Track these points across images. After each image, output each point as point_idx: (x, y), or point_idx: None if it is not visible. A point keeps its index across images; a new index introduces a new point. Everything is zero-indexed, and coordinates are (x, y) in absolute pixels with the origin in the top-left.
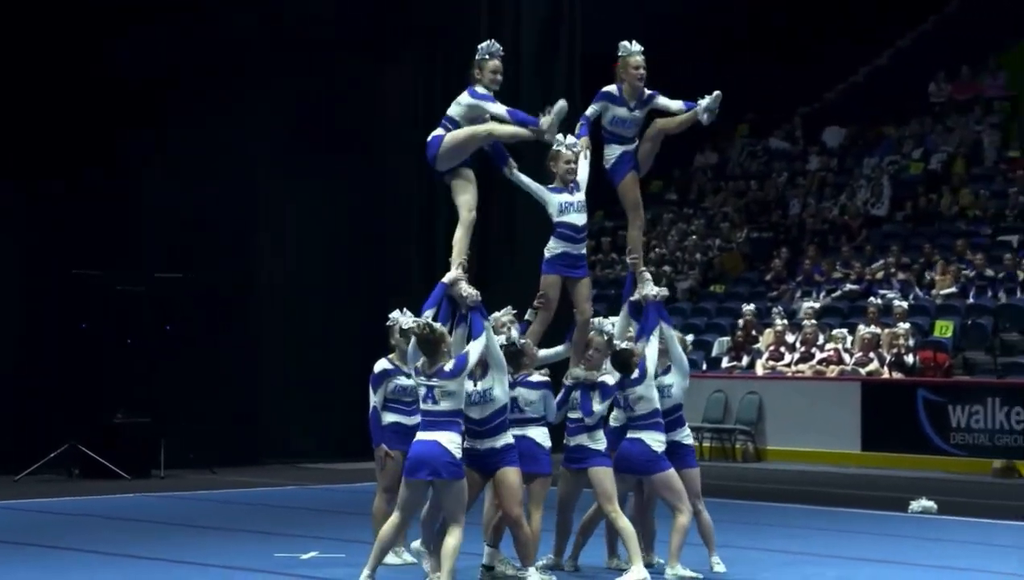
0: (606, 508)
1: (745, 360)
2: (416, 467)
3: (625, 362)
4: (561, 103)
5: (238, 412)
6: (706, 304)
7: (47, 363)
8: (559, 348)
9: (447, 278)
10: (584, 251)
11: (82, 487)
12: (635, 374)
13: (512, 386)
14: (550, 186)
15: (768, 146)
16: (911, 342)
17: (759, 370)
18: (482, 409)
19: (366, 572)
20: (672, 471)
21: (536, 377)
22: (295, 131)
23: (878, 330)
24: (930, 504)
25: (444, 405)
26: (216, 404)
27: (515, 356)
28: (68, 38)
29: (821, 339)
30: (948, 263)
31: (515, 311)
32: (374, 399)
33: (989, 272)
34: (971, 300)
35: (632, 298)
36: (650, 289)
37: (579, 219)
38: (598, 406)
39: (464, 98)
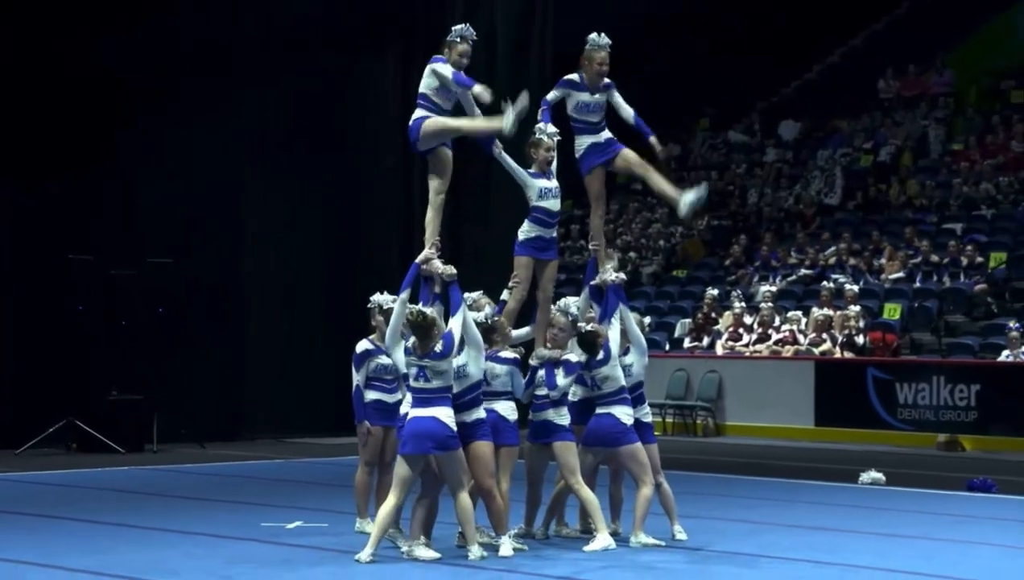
0: (569, 480)
1: (706, 341)
2: (416, 442)
3: (591, 343)
4: (523, 102)
5: (226, 390)
6: (669, 288)
7: (46, 343)
8: (527, 329)
9: (420, 257)
10: (555, 235)
11: (79, 460)
12: (600, 355)
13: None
14: (530, 171)
15: (728, 139)
16: (861, 324)
17: (719, 350)
18: (457, 384)
19: (368, 551)
20: (639, 444)
21: (506, 353)
22: (281, 127)
23: (831, 312)
24: (879, 476)
25: (436, 383)
26: (206, 382)
27: (488, 332)
28: (68, 37)
29: (777, 321)
30: (896, 249)
31: (485, 295)
32: (357, 378)
33: (934, 258)
34: (917, 284)
35: (593, 282)
36: (610, 274)
37: (555, 205)
38: (562, 381)
39: (427, 68)
